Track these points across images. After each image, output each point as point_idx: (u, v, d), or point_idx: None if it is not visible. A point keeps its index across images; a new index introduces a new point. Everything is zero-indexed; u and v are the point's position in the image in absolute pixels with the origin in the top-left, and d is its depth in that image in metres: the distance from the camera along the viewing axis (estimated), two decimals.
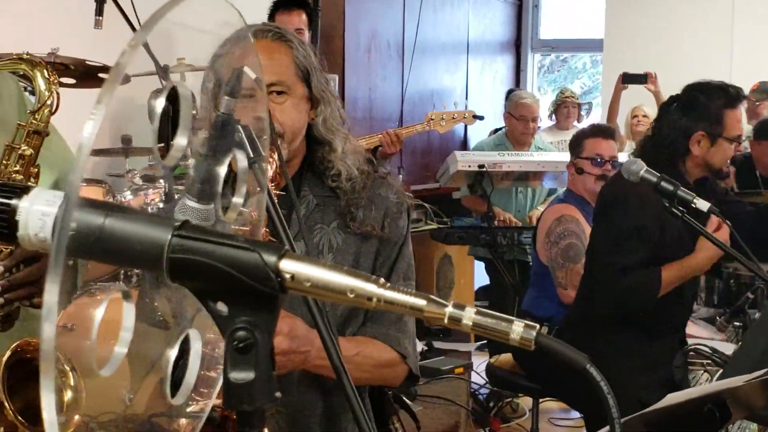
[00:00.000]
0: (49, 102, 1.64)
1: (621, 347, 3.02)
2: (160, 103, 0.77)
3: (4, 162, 1.64)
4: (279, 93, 1.75)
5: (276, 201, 1.33)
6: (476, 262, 5.79)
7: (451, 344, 5.15)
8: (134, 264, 0.71)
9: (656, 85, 5.90)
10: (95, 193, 3.34)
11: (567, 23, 9.08)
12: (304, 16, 4.32)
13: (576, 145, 3.91)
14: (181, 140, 0.79)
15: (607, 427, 0.74)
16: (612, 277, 2.93)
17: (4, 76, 1.79)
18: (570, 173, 3.90)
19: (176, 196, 1.15)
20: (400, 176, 5.43)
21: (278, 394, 0.73)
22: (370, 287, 0.71)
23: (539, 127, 5.90)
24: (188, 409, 0.95)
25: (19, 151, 1.64)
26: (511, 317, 0.71)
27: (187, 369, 0.85)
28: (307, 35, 4.32)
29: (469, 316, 0.70)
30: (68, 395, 1.59)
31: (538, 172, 5.14)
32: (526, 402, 4.72)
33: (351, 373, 1.31)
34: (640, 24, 7.27)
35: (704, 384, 3.00)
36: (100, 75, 3.31)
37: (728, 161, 3.11)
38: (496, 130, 6.47)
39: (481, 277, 5.89)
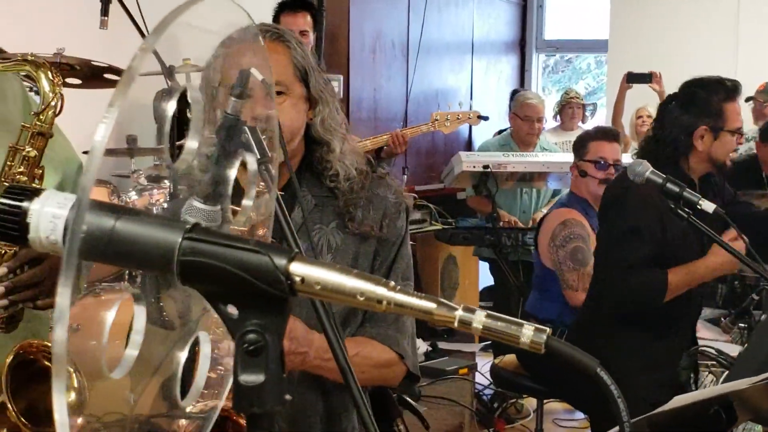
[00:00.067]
0: (53, 103, 1.64)
1: (628, 347, 3.02)
2: (171, 106, 0.77)
3: (8, 163, 1.64)
4: (277, 93, 1.75)
5: (282, 202, 1.34)
6: (481, 262, 5.78)
7: (456, 345, 5.16)
8: (145, 266, 0.71)
9: (661, 85, 5.89)
10: (100, 193, 3.35)
11: (571, 24, 9.08)
12: (308, 18, 4.32)
13: (580, 147, 3.88)
14: (192, 143, 0.79)
15: (615, 428, 0.74)
16: (618, 275, 2.94)
17: (9, 77, 1.79)
18: (573, 175, 3.87)
19: (180, 196, 1.15)
20: (405, 176, 5.43)
21: (288, 397, 0.73)
22: (381, 290, 0.71)
23: (544, 128, 5.89)
24: (188, 410, 0.95)
25: (24, 153, 1.64)
26: (521, 321, 0.71)
27: (197, 371, 0.85)
28: (311, 36, 4.33)
29: (480, 319, 0.70)
30: (71, 396, 1.59)
31: (542, 173, 5.14)
32: (530, 403, 4.72)
33: None
34: (645, 24, 7.26)
35: (709, 385, 3.00)
36: (106, 75, 3.31)
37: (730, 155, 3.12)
38: (501, 131, 6.47)
39: (485, 277, 5.89)
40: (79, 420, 1.33)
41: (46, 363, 1.62)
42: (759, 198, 4.23)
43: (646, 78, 6.02)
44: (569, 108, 6.40)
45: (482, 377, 4.63)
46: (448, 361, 4.43)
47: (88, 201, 0.63)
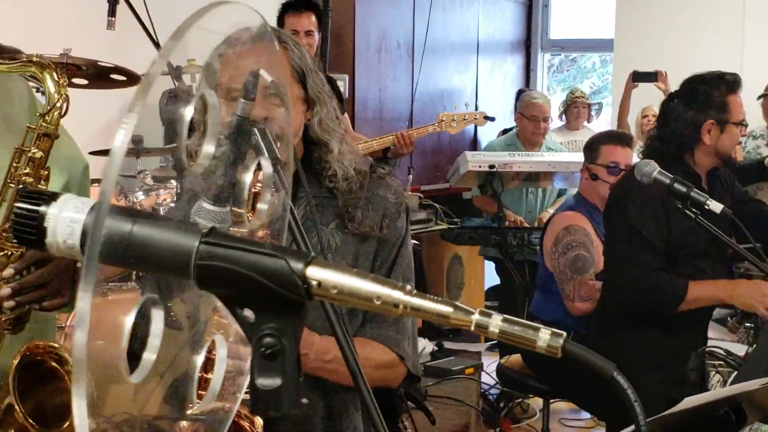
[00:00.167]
0: (58, 104, 1.64)
1: (640, 344, 3.03)
2: (189, 112, 0.77)
3: (14, 165, 1.64)
4: (275, 95, 1.75)
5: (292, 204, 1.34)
6: (486, 262, 5.79)
7: (462, 345, 5.16)
8: (162, 270, 0.71)
9: (666, 84, 5.88)
10: None
11: (577, 23, 9.07)
12: (313, 18, 4.31)
13: (592, 149, 3.83)
14: (208, 147, 0.79)
15: (626, 429, 0.74)
16: (624, 275, 2.95)
17: (15, 78, 1.79)
18: (584, 177, 3.83)
19: (187, 197, 1.15)
20: (410, 176, 5.43)
21: (305, 400, 0.73)
22: (397, 294, 0.71)
23: (549, 128, 5.89)
24: (188, 412, 0.95)
25: (29, 154, 1.64)
26: (537, 324, 0.71)
27: (213, 374, 0.85)
28: (317, 37, 4.32)
29: (496, 323, 0.70)
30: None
31: (548, 173, 5.14)
32: (536, 402, 4.72)
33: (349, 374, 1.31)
34: (650, 23, 7.25)
35: (716, 385, 2.99)
36: (112, 76, 3.31)
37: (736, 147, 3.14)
38: (506, 130, 6.46)
39: (491, 277, 5.88)
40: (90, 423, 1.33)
41: (53, 364, 1.63)
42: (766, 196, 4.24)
43: (652, 77, 6.01)
44: (575, 107, 6.40)
45: (488, 377, 4.63)
46: (453, 361, 4.43)
47: (108, 207, 0.63)
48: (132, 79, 3.31)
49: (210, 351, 0.92)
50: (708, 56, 6.40)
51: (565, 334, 0.70)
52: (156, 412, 1.13)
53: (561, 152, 5.55)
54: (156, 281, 1.31)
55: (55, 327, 2.08)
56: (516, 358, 3.85)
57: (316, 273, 0.72)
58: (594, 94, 9.03)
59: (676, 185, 2.57)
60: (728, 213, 2.52)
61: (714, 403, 1.60)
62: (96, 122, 4.18)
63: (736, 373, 2.51)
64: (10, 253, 1.63)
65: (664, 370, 2.97)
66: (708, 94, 2.97)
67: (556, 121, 6.64)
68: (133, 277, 3.34)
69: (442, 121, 4.59)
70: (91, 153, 3.46)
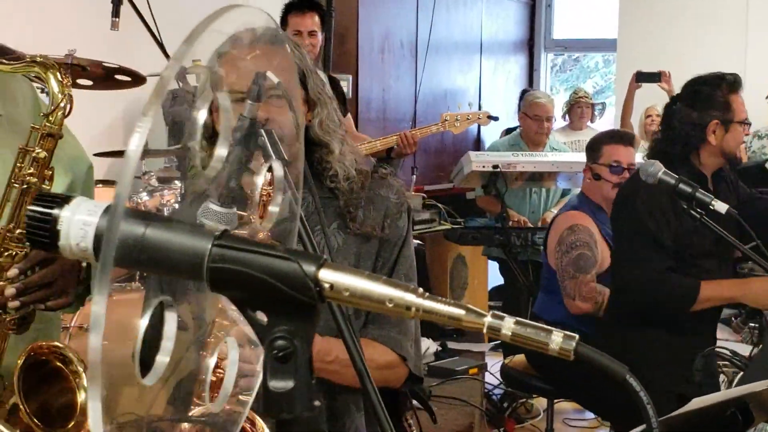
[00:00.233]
0: (62, 105, 1.64)
1: (649, 341, 3.03)
2: (202, 115, 0.78)
3: (18, 165, 1.64)
4: (276, 96, 1.75)
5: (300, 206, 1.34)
6: (490, 262, 5.78)
7: (465, 345, 5.15)
8: (175, 273, 0.72)
9: (670, 84, 5.88)
10: (111, 194, 3.35)
11: (580, 23, 9.07)
12: (317, 18, 4.32)
13: (594, 149, 3.83)
14: (221, 150, 0.79)
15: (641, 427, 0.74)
16: (630, 274, 2.96)
17: (18, 78, 1.79)
18: (586, 177, 3.83)
19: (191, 198, 1.15)
20: (414, 176, 5.43)
21: (317, 403, 0.74)
22: (410, 297, 0.72)
23: (553, 128, 5.89)
24: (197, 413, 0.95)
25: (33, 154, 1.64)
26: (549, 327, 0.71)
27: (225, 376, 0.85)
28: (320, 37, 4.32)
29: (509, 326, 0.70)
30: (82, 395, 1.60)
31: (551, 173, 5.13)
32: (540, 403, 4.71)
33: (351, 375, 1.31)
34: (654, 23, 7.25)
35: (721, 386, 3.00)
36: (117, 77, 3.32)
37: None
38: (509, 130, 6.46)
39: (494, 277, 5.88)
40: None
41: (58, 364, 1.63)
42: None
43: (655, 77, 6.01)
44: (578, 107, 6.39)
45: (492, 377, 4.62)
46: (457, 361, 4.43)
47: (123, 210, 0.64)
48: (136, 79, 3.31)
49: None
50: (711, 56, 6.40)
51: (577, 336, 0.70)
52: (161, 413, 1.13)
53: (564, 152, 5.54)
54: (159, 282, 1.31)
55: (59, 327, 2.08)
56: (520, 358, 3.85)
57: (328, 276, 0.72)
58: (597, 94, 9.03)
59: (681, 185, 2.57)
60: (733, 213, 2.52)
61: (721, 404, 1.60)
62: (100, 123, 4.18)
63: (741, 373, 2.51)
64: (14, 253, 1.63)
65: (672, 370, 2.96)
66: (711, 95, 2.98)
67: (559, 121, 6.63)
68: (137, 277, 3.34)
69: (446, 120, 4.60)
70: (96, 155, 3.46)
